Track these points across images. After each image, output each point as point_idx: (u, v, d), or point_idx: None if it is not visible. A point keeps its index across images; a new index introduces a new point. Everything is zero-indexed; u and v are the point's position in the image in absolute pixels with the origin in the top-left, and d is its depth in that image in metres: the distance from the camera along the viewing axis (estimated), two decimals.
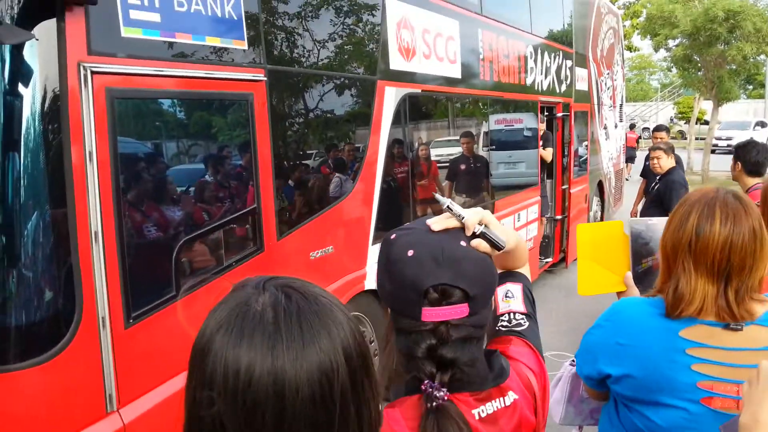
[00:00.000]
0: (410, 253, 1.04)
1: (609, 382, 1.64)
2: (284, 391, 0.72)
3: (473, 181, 6.02)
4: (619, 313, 1.67)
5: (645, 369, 1.55)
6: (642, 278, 2.27)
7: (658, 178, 5.92)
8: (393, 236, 1.11)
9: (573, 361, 1.96)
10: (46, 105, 2.25)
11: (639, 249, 2.36)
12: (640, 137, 26.35)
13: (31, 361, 2.22)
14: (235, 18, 3.01)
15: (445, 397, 1.01)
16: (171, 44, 2.71)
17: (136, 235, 2.60)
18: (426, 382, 1.02)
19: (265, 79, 3.19)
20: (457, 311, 1.04)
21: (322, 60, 3.76)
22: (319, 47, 3.73)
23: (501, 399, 1.12)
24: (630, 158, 17.76)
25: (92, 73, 2.33)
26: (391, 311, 1.11)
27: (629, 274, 2.22)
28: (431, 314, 1.03)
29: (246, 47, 3.09)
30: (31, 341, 2.26)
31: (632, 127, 23.32)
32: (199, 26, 2.82)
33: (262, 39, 3.21)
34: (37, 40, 2.18)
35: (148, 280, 2.65)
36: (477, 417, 1.08)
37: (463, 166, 5.83)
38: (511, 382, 1.15)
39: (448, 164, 5.64)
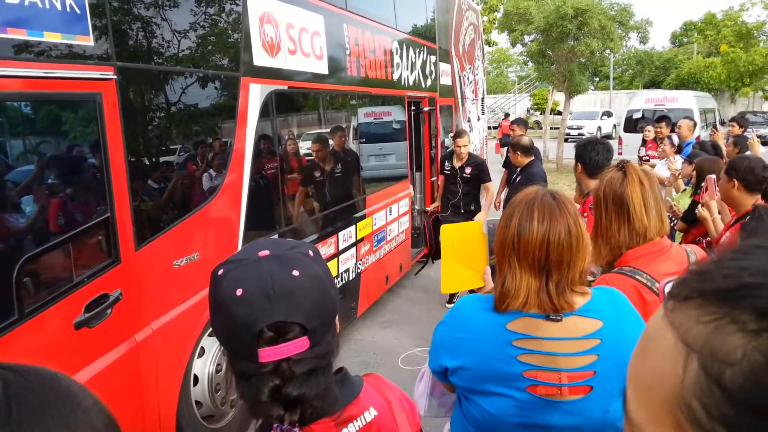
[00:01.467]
0: (239, 292, 0.97)
1: (448, 375, 1.72)
2: None
3: (344, 175, 6.00)
4: (458, 310, 1.76)
5: (477, 360, 1.64)
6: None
7: (519, 170, 6.24)
8: (220, 272, 1.03)
9: None
10: None
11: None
12: (536, 121, 27.85)
13: None
14: (78, 11, 2.76)
15: None
16: (4, 40, 2.43)
17: None
18: (275, 426, 0.97)
19: (115, 77, 2.96)
20: (297, 346, 0.98)
21: (180, 56, 3.55)
22: (176, 43, 3.52)
23: (361, 417, 1.10)
24: (505, 144, 18.61)
25: None
26: (227, 353, 1.04)
27: (487, 269, 2.31)
28: (269, 354, 0.97)
29: (92, 43, 2.85)
30: None
31: (507, 116, 24.65)
32: (35, 20, 2.55)
33: (110, 34, 2.97)
34: None
35: None
36: None
37: (330, 163, 5.80)
38: (366, 398, 1.14)
39: (314, 161, 5.58)
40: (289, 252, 1.03)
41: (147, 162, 3.33)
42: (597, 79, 44.75)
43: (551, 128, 24.46)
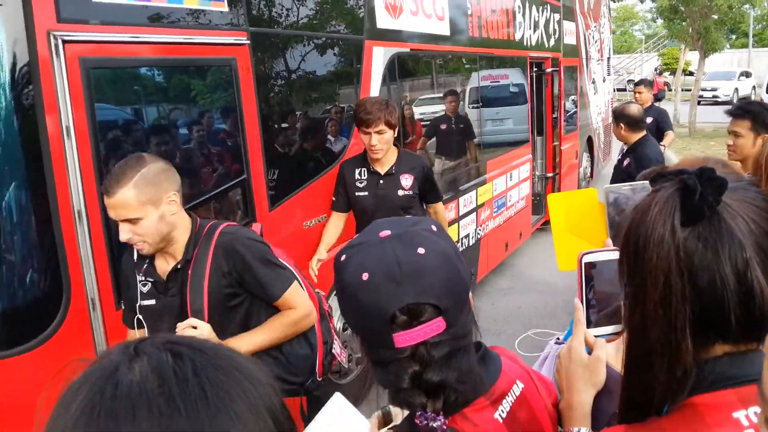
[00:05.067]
0: (365, 277, 0.91)
1: None
2: None
3: (465, 139, 5.90)
4: None
5: None
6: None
7: (625, 149, 4.96)
8: (343, 258, 0.97)
9: (558, 339, 1.91)
10: (16, 79, 2.11)
11: (614, 216, 2.27)
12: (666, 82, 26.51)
13: (20, 347, 2.13)
14: None
15: (444, 426, 0.90)
16: (146, 8, 2.55)
17: None
18: (418, 414, 0.91)
19: (248, 42, 3.03)
20: (433, 328, 0.92)
21: (307, 20, 3.59)
22: (303, 7, 3.56)
23: (512, 392, 1.05)
24: (658, 99, 17.23)
25: (63, 42, 2.18)
26: (361, 341, 0.99)
27: (609, 242, 2.12)
28: (404, 339, 0.91)
29: (226, 9, 2.93)
30: (18, 328, 2.16)
31: (658, 71, 23.26)
32: None
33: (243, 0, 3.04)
34: (1, 5, 2.02)
35: None
36: (501, 420, 1.00)
37: (452, 126, 5.71)
38: (509, 371, 1.08)
39: (437, 124, 5.51)
40: (412, 229, 0.97)
41: (278, 126, 3.42)
42: (734, 36, 41.11)
43: (682, 90, 22.82)
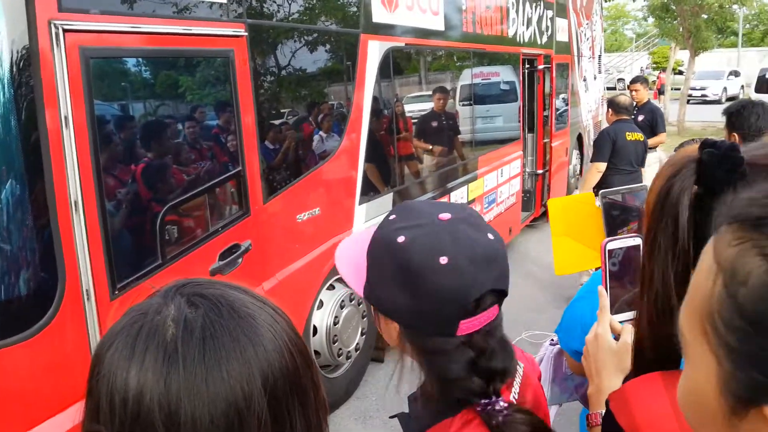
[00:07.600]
0: (443, 260, 0.87)
1: None
2: (179, 428, 0.58)
3: (457, 135, 5.92)
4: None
5: None
6: None
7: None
8: (402, 239, 0.90)
9: (553, 340, 1.91)
10: (16, 68, 2.09)
11: (612, 220, 2.30)
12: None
13: (14, 338, 2.12)
14: None
15: (506, 409, 0.90)
16: None
17: (117, 202, 2.48)
18: (482, 402, 0.91)
19: (246, 34, 3.03)
20: (489, 315, 0.92)
21: (304, 13, 3.59)
22: (301, 0, 3.56)
23: (518, 373, 1.05)
24: (661, 93, 17.25)
25: (64, 31, 2.17)
26: (408, 330, 0.94)
27: None
28: (468, 326, 0.89)
29: (225, 0, 2.93)
30: (13, 317, 2.16)
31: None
32: None
33: None
34: None
35: (133, 249, 2.56)
36: (515, 402, 1.00)
37: (444, 122, 5.73)
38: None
39: (430, 120, 5.52)
40: (472, 213, 0.96)
41: (274, 119, 3.42)
42: (722, 36, 41.35)
43: (672, 89, 22.95)
